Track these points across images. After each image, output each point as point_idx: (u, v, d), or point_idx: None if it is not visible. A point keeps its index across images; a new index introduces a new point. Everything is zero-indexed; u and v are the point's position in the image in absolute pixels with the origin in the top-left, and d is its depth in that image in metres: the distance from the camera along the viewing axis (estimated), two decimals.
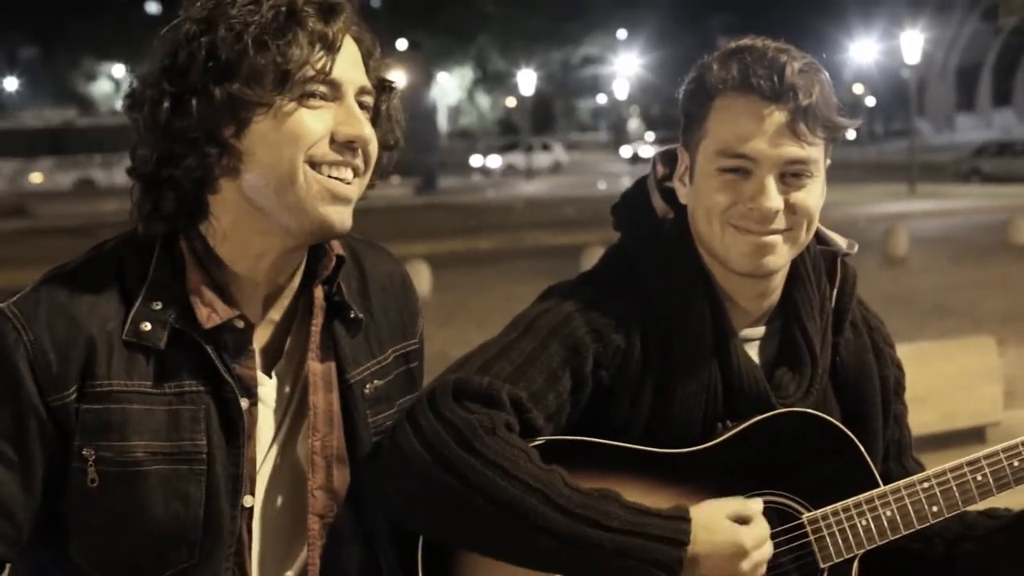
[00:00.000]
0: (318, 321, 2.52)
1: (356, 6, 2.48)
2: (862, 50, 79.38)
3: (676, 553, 2.37)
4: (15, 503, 2.32)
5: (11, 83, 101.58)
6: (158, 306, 2.36)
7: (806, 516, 2.57)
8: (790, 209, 2.57)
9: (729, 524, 2.46)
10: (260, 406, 2.45)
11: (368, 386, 2.59)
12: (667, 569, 2.37)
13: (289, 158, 2.32)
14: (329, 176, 2.36)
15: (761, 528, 2.48)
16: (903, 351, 9.60)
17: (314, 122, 2.34)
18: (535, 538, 2.35)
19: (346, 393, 2.55)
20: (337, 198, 2.37)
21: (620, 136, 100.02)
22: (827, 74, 2.63)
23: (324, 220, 2.37)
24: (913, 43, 57.22)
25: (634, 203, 2.77)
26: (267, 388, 2.49)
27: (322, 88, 2.35)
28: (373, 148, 2.44)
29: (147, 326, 2.35)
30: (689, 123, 2.66)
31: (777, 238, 2.58)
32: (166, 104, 2.31)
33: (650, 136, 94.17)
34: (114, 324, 2.35)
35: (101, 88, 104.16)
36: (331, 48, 2.35)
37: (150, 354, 2.36)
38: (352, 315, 2.56)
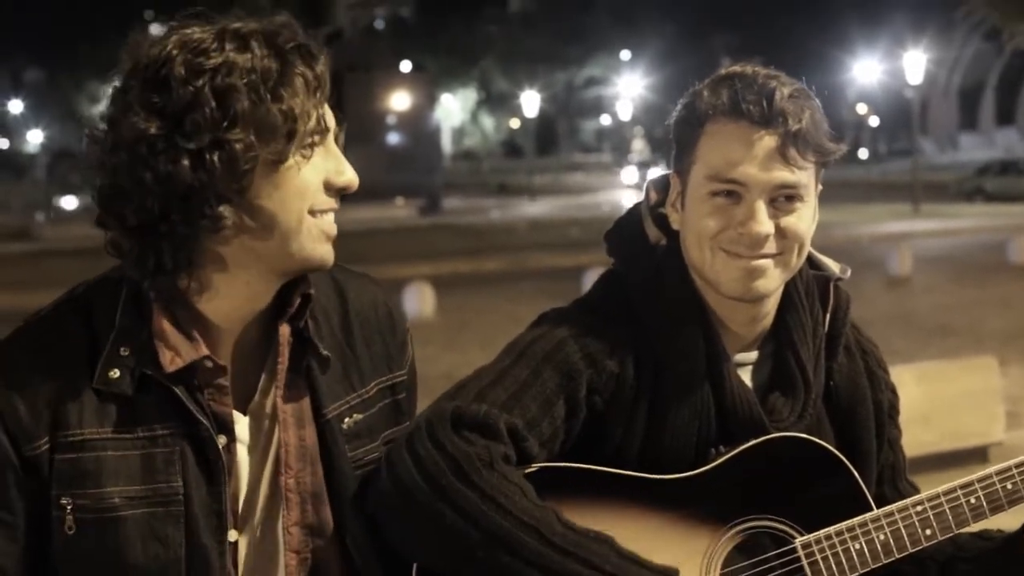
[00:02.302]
0: (283, 359, 2.46)
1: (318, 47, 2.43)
2: (865, 70, 79.47)
3: None
4: (5, 557, 2.33)
5: (16, 105, 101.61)
6: (125, 352, 2.33)
7: (799, 540, 2.56)
8: (780, 233, 2.58)
9: None
10: (238, 443, 2.43)
11: (347, 420, 2.55)
12: None
13: (296, 211, 2.32)
14: (323, 217, 2.38)
15: None
16: (905, 371, 9.62)
17: (313, 174, 2.34)
18: (528, 572, 2.36)
19: (323, 428, 2.52)
20: (330, 238, 2.40)
21: (624, 157, 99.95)
22: (817, 100, 2.64)
23: (321, 259, 2.39)
24: (916, 63, 57.36)
25: (627, 229, 2.78)
26: (242, 425, 2.45)
27: (318, 137, 2.34)
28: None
29: (115, 373, 2.32)
30: (680, 149, 2.66)
31: (768, 262, 2.59)
32: (184, 161, 2.22)
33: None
34: (83, 373, 2.33)
35: None
36: (322, 91, 2.33)
37: (120, 401, 2.33)
38: (321, 352, 2.50)
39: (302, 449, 2.48)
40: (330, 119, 2.36)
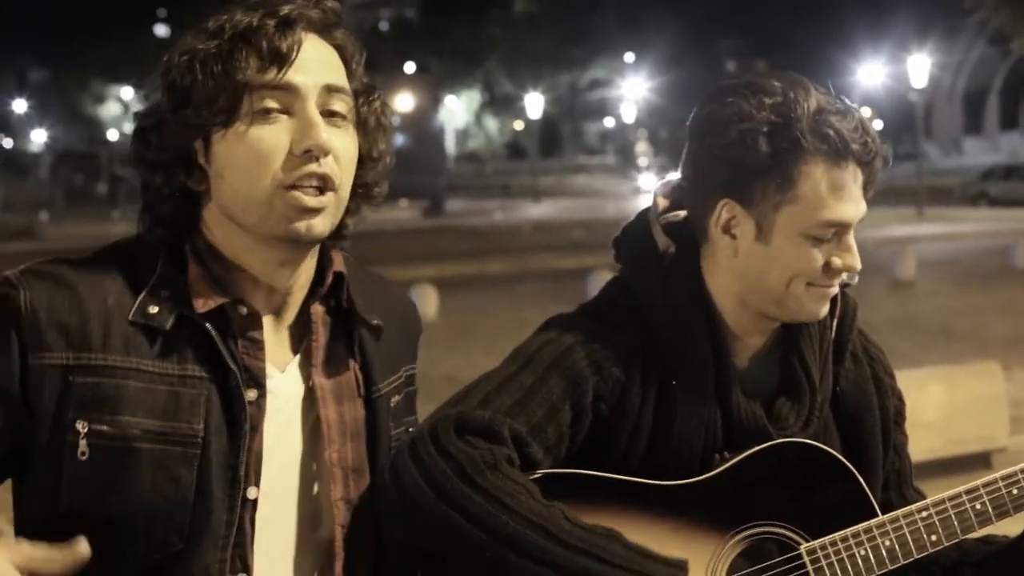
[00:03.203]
0: (318, 336, 2.52)
1: (332, 13, 2.50)
2: (869, 74, 79.40)
3: None
4: None
5: (20, 105, 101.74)
6: (165, 294, 2.39)
7: (804, 547, 2.55)
8: None
9: None
10: (270, 399, 2.44)
11: (394, 399, 2.62)
12: None
13: (255, 179, 2.37)
14: (297, 191, 2.38)
15: None
16: (909, 376, 9.57)
17: (272, 137, 2.37)
18: (537, 570, 2.35)
19: (375, 404, 2.57)
20: (304, 212, 2.39)
21: (627, 159, 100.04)
22: None
23: (291, 232, 2.39)
24: (920, 67, 57.36)
25: (635, 237, 2.76)
26: (279, 382, 2.47)
27: (274, 102, 2.38)
28: (346, 157, 2.45)
29: (154, 309, 2.38)
30: (761, 180, 2.56)
31: (837, 287, 2.63)
32: (139, 136, 2.45)
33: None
34: (119, 305, 2.37)
35: (110, 110, 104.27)
36: (284, 60, 2.38)
37: (156, 335, 2.37)
38: (371, 322, 2.59)
39: (342, 425, 2.51)
40: (297, 78, 2.38)
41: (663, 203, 2.74)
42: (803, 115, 2.53)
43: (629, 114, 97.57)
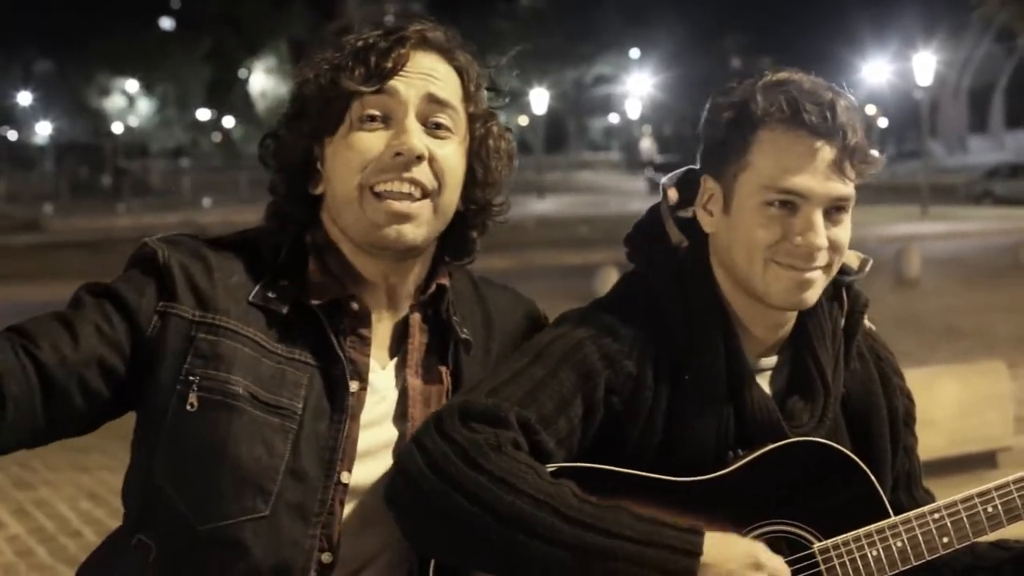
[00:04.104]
0: (414, 341, 2.67)
1: (453, 36, 2.69)
2: (875, 71, 79.27)
3: (688, 563, 2.37)
4: (60, 354, 2.40)
5: (25, 97, 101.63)
6: (284, 283, 2.59)
7: (817, 546, 2.56)
8: (830, 245, 2.59)
9: (744, 539, 2.48)
10: (369, 392, 2.60)
11: None
12: None
13: (348, 180, 2.56)
14: (387, 196, 2.54)
15: (777, 557, 2.48)
16: (914, 375, 9.56)
17: (369, 140, 2.56)
18: (547, 550, 2.34)
19: None
20: (394, 216, 2.54)
21: (632, 155, 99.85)
22: (864, 112, 2.65)
23: (382, 238, 2.56)
24: (926, 64, 57.20)
25: (648, 233, 2.77)
26: (379, 378, 2.63)
27: (376, 109, 2.57)
28: (446, 167, 2.59)
29: (272, 294, 2.57)
30: (724, 151, 2.63)
31: (818, 273, 2.59)
32: (263, 142, 2.70)
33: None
34: (239, 282, 2.58)
35: (115, 103, 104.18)
36: (387, 70, 2.56)
37: (272, 317, 2.57)
38: (462, 335, 2.71)
39: None
40: (399, 86, 2.57)
41: (673, 195, 2.75)
42: (763, 85, 2.58)
43: (634, 110, 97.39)
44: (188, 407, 2.46)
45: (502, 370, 2.61)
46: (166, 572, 2.48)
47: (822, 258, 2.57)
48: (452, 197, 2.63)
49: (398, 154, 2.53)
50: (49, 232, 52.55)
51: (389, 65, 2.56)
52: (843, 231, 2.60)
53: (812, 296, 2.61)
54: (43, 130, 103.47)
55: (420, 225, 2.57)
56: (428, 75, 2.60)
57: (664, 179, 2.81)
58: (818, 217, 2.55)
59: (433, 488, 2.38)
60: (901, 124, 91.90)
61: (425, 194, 2.56)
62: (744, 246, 2.59)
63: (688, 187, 2.75)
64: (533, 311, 2.92)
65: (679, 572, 2.36)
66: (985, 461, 9.73)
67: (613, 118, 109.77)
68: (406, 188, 2.54)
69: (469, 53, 2.69)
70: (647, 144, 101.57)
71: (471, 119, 2.67)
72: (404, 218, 2.54)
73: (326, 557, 2.52)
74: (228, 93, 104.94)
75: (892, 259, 26.23)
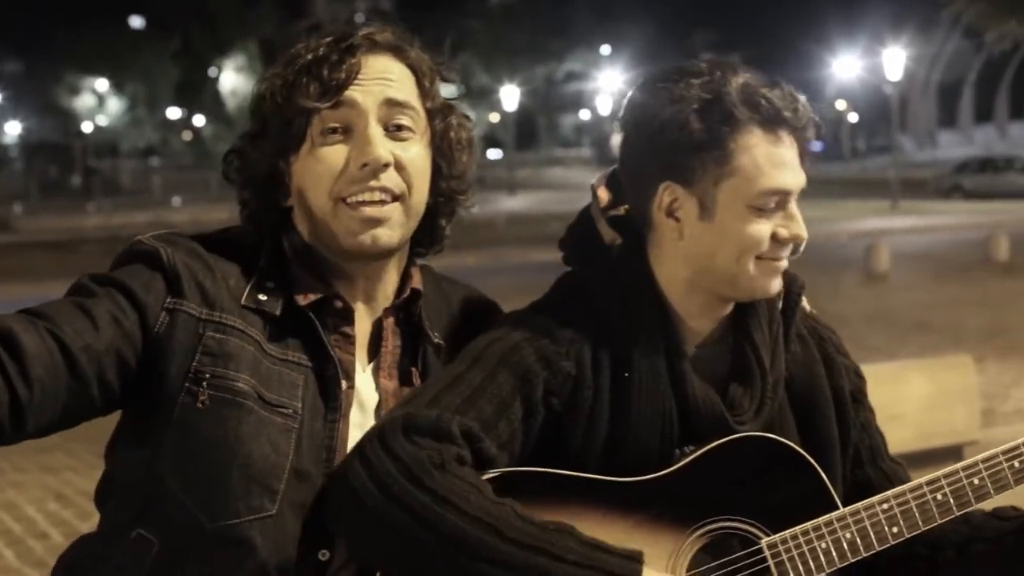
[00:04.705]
0: (387, 345, 2.69)
1: (403, 34, 2.70)
2: (844, 66, 79.56)
3: None
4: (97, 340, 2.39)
5: None
6: (271, 285, 2.60)
7: (765, 541, 2.54)
8: None
9: None
10: (355, 393, 2.63)
11: None
12: None
13: (319, 194, 2.58)
14: (359, 204, 2.56)
15: None
16: (882, 369, 9.59)
17: (333, 154, 2.57)
18: (489, 571, 2.33)
19: None
20: (368, 222, 2.56)
21: (604, 152, 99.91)
22: None
23: (357, 244, 2.58)
24: (895, 60, 57.50)
25: (581, 235, 2.76)
26: (362, 378, 2.65)
27: (336, 121, 2.58)
28: (412, 168, 2.61)
29: (263, 296, 2.58)
30: (697, 159, 2.56)
31: (786, 262, 2.64)
32: (227, 158, 2.70)
33: None
34: (235, 285, 2.58)
35: (84, 102, 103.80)
36: (340, 83, 2.56)
37: (266, 319, 2.57)
38: (434, 340, 2.73)
39: None
40: (356, 95, 2.58)
41: (604, 196, 2.75)
42: (733, 88, 2.56)
43: (605, 106, 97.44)
44: (199, 405, 2.46)
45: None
46: (168, 567, 2.48)
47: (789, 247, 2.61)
48: (421, 196, 2.65)
49: (365, 164, 2.54)
50: (19, 232, 52.38)
51: (343, 76, 2.57)
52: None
53: (780, 283, 2.64)
54: (12, 130, 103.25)
55: (394, 228, 2.59)
56: (383, 79, 2.61)
57: (593, 180, 2.79)
58: (795, 208, 2.59)
59: (376, 503, 2.36)
60: (871, 119, 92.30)
61: (395, 198, 2.58)
62: (735, 250, 2.58)
63: (619, 186, 2.74)
64: (494, 310, 2.92)
65: None
66: (952, 455, 9.77)
67: (584, 114, 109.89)
68: (376, 196, 2.55)
69: (418, 47, 2.70)
70: (618, 140, 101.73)
71: (430, 115, 2.68)
72: (377, 223, 2.56)
73: (323, 555, 2.54)
74: (198, 92, 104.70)
75: (862, 254, 26.33)
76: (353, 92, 2.57)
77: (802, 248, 2.75)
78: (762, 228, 2.56)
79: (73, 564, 2.64)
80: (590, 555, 2.36)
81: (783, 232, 2.57)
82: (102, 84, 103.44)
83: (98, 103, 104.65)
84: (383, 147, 2.56)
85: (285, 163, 2.62)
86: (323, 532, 2.52)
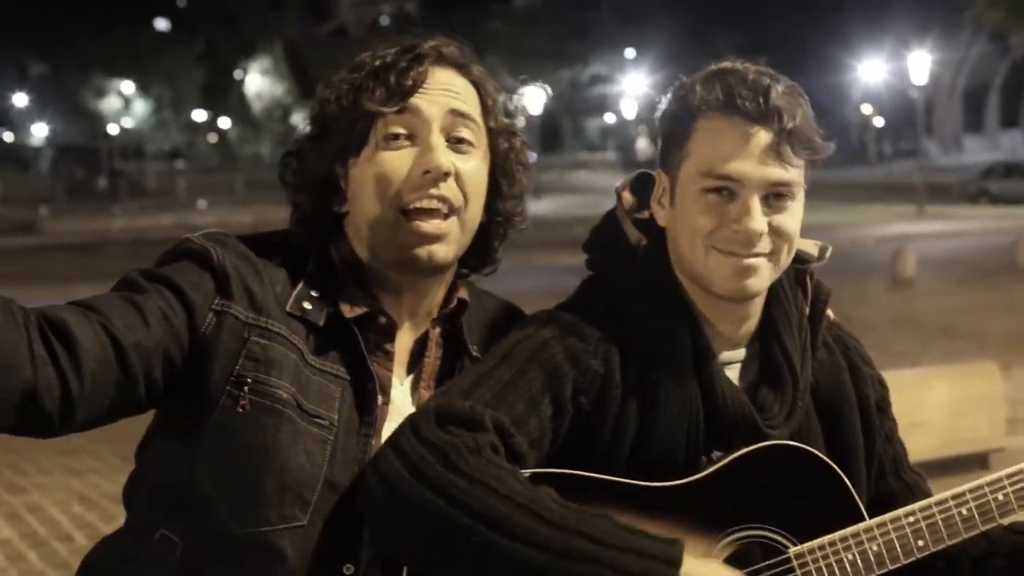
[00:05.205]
0: (431, 356, 2.71)
1: (468, 51, 2.72)
2: (870, 71, 79.35)
3: (670, 572, 2.35)
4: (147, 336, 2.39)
5: (21, 99, 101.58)
6: (316, 294, 2.60)
7: (792, 550, 2.54)
8: (773, 232, 2.57)
9: (721, 565, 2.47)
10: (391, 407, 2.62)
11: None
12: None
13: (378, 200, 2.58)
14: (417, 217, 2.56)
15: None
16: (907, 376, 9.55)
17: (395, 160, 2.58)
18: (527, 553, 2.32)
19: None
20: (424, 238, 2.57)
21: (629, 155, 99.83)
22: (807, 97, 2.64)
23: (413, 258, 2.58)
24: (921, 64, 57.24)
25: (607, 237, 2.78)
26: (399, 393, 2.66)
27: (400, 127, 2.60)
28: (470, 181, 2.62)
29: (308, 305, 2.59)
30: (669, 144, 2.65)
31: (761, 260, 2.58)
32: (284, 161, 2.72)
33: None
34: (282, 291, 2.58)
35: (111, 104, 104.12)
36: (408, 89, 2.59)
37: (309, 328, 2.57)
38: (472, 353, 2.73)
39: None
40: (421, 103, 2.60)
41: (628, 199, 2.76)
42: (701, 77, 2.60)
43: (630, 110, 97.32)
44: (239, 409, 2.46)
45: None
46: (193, 570, 2.48)
47: (764, 244, 2.56)
48: (476, 211, 2.67)
49: (427, 172, 2.56)
50: (44, 234, 52.58)
51: (409, 83, 2.59)
52: (788, 217, 2.59)
53: (756, 284, 2.60)
54: (39, 132, 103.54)
55: (450, 244, 2.61)
56: (448, 90, 2.63)
57: (617, 184, 2.81)
58: (755, 202, 2.54)
59: (411, 490, 2.36)
60: (897, 123, 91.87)
61: (452, 210, 2.59)
62: (687, 234, 2.60)
63: (643, 189, 2.76)
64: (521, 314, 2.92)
65: None
66: (976, 462, 9.74)
67: (609, 118, 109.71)
68: (435, 204, 2.57)
69: (482, 66, 2.73)
70: (643, 144, 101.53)
71: (493, 134, 2.71)
72: (434, 239, 2.58)
73: (348, 568, 2.54)
74: (223, 94, 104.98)
75: (887, 259, 26.24)
76: (419, 100, 2.60)
77: (828, 255, 2.76)
78: (709, 212, 2.57)
79: (97, 564, 2.65)
80: (630, 539, 2.36)
81: (733, 224, 2.55)
82: (128, 86, 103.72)
83: (124, 105, 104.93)
84: (445, 156, 2.58)
85: (343, 167, 2.64)
86: (349, 545, 2.52)
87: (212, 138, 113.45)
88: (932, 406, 9.85)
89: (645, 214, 2.76)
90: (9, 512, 9.78)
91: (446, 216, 2.59)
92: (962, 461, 9.44)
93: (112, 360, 2.33)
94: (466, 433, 2.42)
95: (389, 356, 2.64)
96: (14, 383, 2.18)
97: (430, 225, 2.57)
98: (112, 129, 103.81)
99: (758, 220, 2.54)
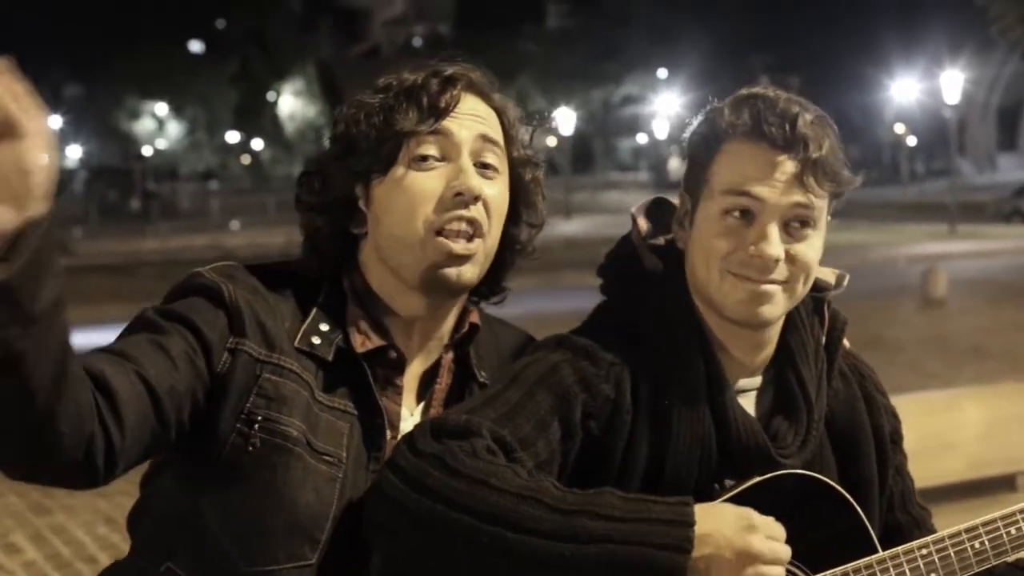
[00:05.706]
0: (442, 382, 2.71)
1: (491, 78, 2.75)
2: (903, 89, 79.19)
3: (684, 532, 2.33)
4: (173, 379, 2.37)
5: (55, 121, 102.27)
6: (325, 327, 2.59)
7: None
8: (790, 260, 2.54)
9: (732, 505, 2.44)
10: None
11: None
12: (677, 550, 2.31)
13: (410, 221, 2.56)
14: (447, 236, 2.55)
15: (768, 518, 2.43)
16: (935, 397, 9.48)
17: (427, 181, 2.58)
18: (538, 543, 2.29)
19: None
20: (453, 258, 2.56)
21: (661, 176, 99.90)
22: (835, 128, 2.61)
23: (441, 277, 2.57)
24: (954, 83, 57.12)
25: (622, 261, 2.77)
26: (408, 425, 2.62)
27: (431, 149, 2.59)
28: (494, 206, 2.63)
29: (316, 339, 2.57)
30: (694, 165, 2.64)
31: (775, 288, 2.55)
32: (303, 182, 2.70)
33: None
34: (290, 327, 2.57)
35: (144, 126, 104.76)
36: (442, 111, 2.60)
37: (318, 363, 2.56)
38: (480, 379, 2.73)
39: None
40: (453, 127, 2.61)
41: (644, 224, 2.73)
42: (730, 102, 2.59)
43: (662, 130, 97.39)
44: (249, 448, 2.44)
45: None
46: None
47: (780, 272, 2.54)
48: (496, 236, 2.67)
49: (458, 194, 2.56)
50: (78, 255, 52.77)
51: (442, 105, 2.61)
52: (808, 247, 2.56)
53: (769, 311, 2.57)
54: (73, 153, 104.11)
55: (476, 265, 2.61)
56: (476, 115, 2.65)
57: (633, 208, 2.78)
58: (773, 228, 2.52)
59: (414, 503, 2.34)
60: (929, 142, 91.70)
61: (478, 233, 2.59)
62: (703, 256, 2.58)
63: (659, 215, 2.75)
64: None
65: (676, 545, 2.31)
66: (1005, 484, 9.65)
67: (641, 138, 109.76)
68: (463, 226, 2.57)
69: (505, 94, 2.76)
70: (675, 164, 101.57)
71: (516, 162, 2.73)
72: (463, 259, 2.58)
73: None
74: (257, 116, 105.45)
75: (919, 279, 26.14)
76: (450, 123, 2.61)
77: (845, 283, 2.74)
78: (724, 236, 2.56)
79: None
80: (637, 507, 2.35)
81: (752, 249, 2.53)
82: (162, 108, 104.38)
83: (158, 127, 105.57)
84: (476, 179, 2.59)
85: (365, 187, 2.63)
86: None
87: (245, 159, 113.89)
88: (962, 427, 9.74)
89: (660, 240, 2.73)
90: (34, 533, 9.79)
91: (472, 238, 2.58)
92: (992, 483, 9.35)
93: (149, 410, 2.32)
94: (462, 441, 2.41)
95: (398, 390, 2.64)
96: (82, 440, 2.17)
97: (460, 246, 2.56)
98: (146, 151, 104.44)
99: (775, 245, 2.52)
